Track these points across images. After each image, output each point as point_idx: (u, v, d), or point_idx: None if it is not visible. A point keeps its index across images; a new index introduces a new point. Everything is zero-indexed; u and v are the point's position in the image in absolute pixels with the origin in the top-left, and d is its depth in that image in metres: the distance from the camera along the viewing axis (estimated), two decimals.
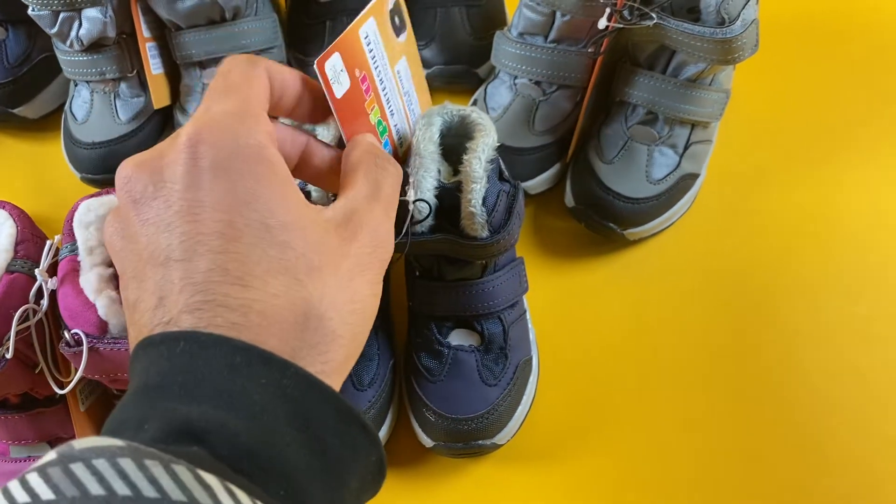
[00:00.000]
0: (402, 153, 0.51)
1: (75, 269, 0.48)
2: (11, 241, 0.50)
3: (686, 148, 0.66)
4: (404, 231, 0.48)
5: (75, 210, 0.51)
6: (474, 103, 0.72)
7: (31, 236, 0.51)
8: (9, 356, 0.47)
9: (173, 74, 0.72)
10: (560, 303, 0.66)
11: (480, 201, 0.50)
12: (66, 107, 0.72)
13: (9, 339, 0.47)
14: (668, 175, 0.65)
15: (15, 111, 0.75)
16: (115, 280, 0.48)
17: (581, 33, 0.64)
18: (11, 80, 0.73)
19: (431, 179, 0.52)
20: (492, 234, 0.52)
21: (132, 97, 0.70)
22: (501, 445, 0.58)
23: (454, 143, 0.55)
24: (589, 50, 0.64)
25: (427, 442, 0.58)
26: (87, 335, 0.46)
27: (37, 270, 0.48)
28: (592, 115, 0.68)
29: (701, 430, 0.60)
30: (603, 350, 0.64)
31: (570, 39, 0.65)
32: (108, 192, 0.52)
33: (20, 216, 0.52)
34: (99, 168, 0.69)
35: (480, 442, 0.56)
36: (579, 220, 0.67)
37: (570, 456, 0.60)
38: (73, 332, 0.47)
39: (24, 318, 0.47)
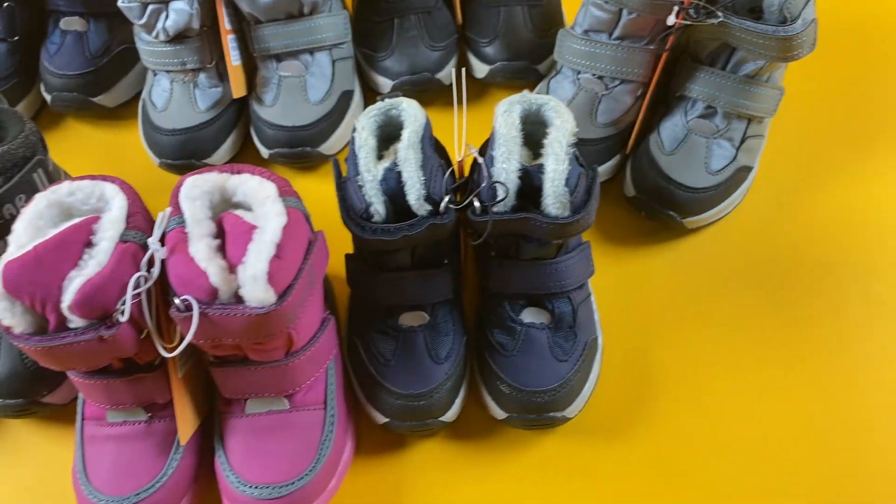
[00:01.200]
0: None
1: (183, 240, 0.51)
2: (123, 214, 0.53)
3: (742, 141, 0.69)
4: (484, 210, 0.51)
5: (181, 186, 0.54)
6: None
7: (139, 209, 0.54)
8: (123, 319, 0.50)
9: (248, 66, 0.75)
10: (620, 288, 0.69)
11: (563, 181, 0.54)
12: (145, 95, 0.76)
13: (124, 303, 0.50)
14: (725, 166, 0.68)
15: (94, 100, 0.78)
16: (221, 251, 0.51)
17: (645, 31, 0.67)
18: (92, 70, 0.77)
19: (514, 162, 0.55)
20: (573, 213, 0.54)
21: (210, 87, 0.74)
22: (570, 419, 0.61)
23: (531, 130, 0.58)
24: (651, 47, 0.68)
25: (499, 414, 0.61)
26: (198, 301, 0.49)
27: (149, 240, 0.51)
28: (651, 108, 0.71)
29: (755, 410, 0.63)
30: (661, 333, 0.67)
31: (634, 37, 0.68)
32: (209, 170, 0.55)
33: (129, 190, 0.55)
34: (178, 154, 0.73)
35: (552, 414, 0.59)
36: (639, 209, 0.70)
37: (631, 433, 0.63)
38: (183, 298, 0.50)
39: (136, 284, 0.50)
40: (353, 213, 0.55)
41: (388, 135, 0.60)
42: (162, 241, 0.52)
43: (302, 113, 0.73)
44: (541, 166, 0.55)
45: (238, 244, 0.50)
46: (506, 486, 0.61)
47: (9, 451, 0.64)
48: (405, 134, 0.56)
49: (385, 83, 0.77)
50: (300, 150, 0.73)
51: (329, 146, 0.74)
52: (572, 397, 0.60)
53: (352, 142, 0.58)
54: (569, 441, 0.63)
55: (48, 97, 0.79)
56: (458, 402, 0.61)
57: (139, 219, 0.54)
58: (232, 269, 0.50)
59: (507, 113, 0.57)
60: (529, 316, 0.61)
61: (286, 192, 0.53)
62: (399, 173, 0.55)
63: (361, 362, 0.61)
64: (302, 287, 0.51)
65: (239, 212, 0.53)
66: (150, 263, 0.51)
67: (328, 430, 0.58)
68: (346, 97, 0.75)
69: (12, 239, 0.51)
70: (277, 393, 0.57)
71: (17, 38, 0.78)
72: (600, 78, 0.70)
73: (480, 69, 0.78)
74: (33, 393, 0.62)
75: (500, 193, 0.54)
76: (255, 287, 0.48)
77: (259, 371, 0.55)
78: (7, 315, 0.49)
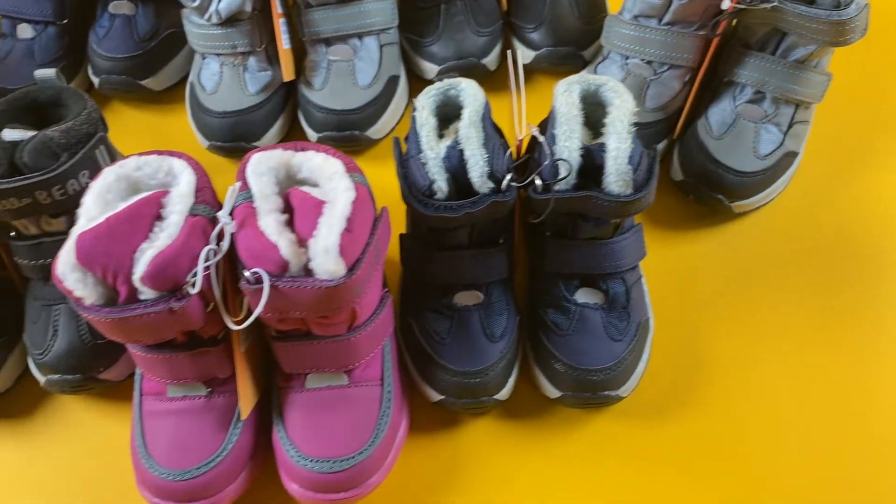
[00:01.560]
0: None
1: (252, 214, 0.52)
2: (192, 188, 0.53)
3: (790, 126, 0.69)
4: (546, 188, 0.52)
5: (247, 162, 0.54)
6: None
7: (206, 184, 0.55)
8: (194, 291, 0.50)
9: (296, 51, 0.76)
10: (668, 271, 0.69)
11: (627, 159, 0.54)
12: (194, 78, 0.76)
13: (195, 275, 0.50)
14: (773, 151, 0.69)
15: (142, 83, 0.79)
16: (289, 225, 0.52)
17: (695, 16, 0.68)
18: (140, 53, 0.78)
19: (576, 140, 0.56)
20: (635, 191, 0.55)
21: (259, 71, 0.74)
22: (623, 398, 0.61)
23: (588, 111, 0.59)
24: (701, 32, 0.68)
25: (553, 393, 0.61)
26: (268, 274, 0.50)
27: (219, 214, 0.51)
28: (697, 94, 0.72)
29: (804, 391, 0.64)
30: (710, 315, 0.67)
31: (685, 22, 0.68)
32: (274, 147, 0.56)
33: (196, 165, 0.55)
34: (228, 136, 0.73)
35: (607, 392, 0.60)
36: (687, 192, 0.70)
37: (682, 413, 0.64)
38: (253, 270, 0.50)
39: (206, 257, 0.51)
40: (415, 190, 0.56)
41: (446, 115, 0.61)
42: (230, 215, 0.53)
43: (351, 97, 0.73)
44: (602, 145, 0.56)
45: (307, 218, 0.51)
46: (558, 465, 0.62)
47: (64, 427, 0.65)
48: (466, 113, 0.57)
49: (431, 68, 0.78)
50: (349, 133, 0.73)
51: (376, 130, 0.75)
52: (626, 376, 0.60)
53: (412, 121, 0.59)
54: (620, 421, 0.63)
55: (96, 80, 0.79)
56: (511, 380, 0.62)
57: (207, 193, 0.54)
58: (301, 243, 0.51)
59: (566, 92, 0.57)
60: (584, 296, 0.61)
61: (352, 169, 0.54)
62: (461, 151, 0.56)
63: (416, 341, 0.62)
64: (369, 261, 0.52)
65: (304, 188, 0.54)
66: (220, 237, 0.52)
67: (385, 405, 0.59)
68: (393, 82, 0.76)
69: (82, 212, 0.52)
70: (338, 368, 0.57)
71: (65, 21, 0.79)
72: (649, 63, 0.71)
73: (526, 55, 0.79)
74: (91, 369, 0.62)
75: (563, 171, 0.55)
76: (327, 259, 0.49)
77: (321, 345, 0.56)
78: (79, 286, 0.50)
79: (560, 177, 0.55)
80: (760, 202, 0.70)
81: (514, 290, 0.64)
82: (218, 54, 0.74)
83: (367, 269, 0.52)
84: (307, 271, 0.51)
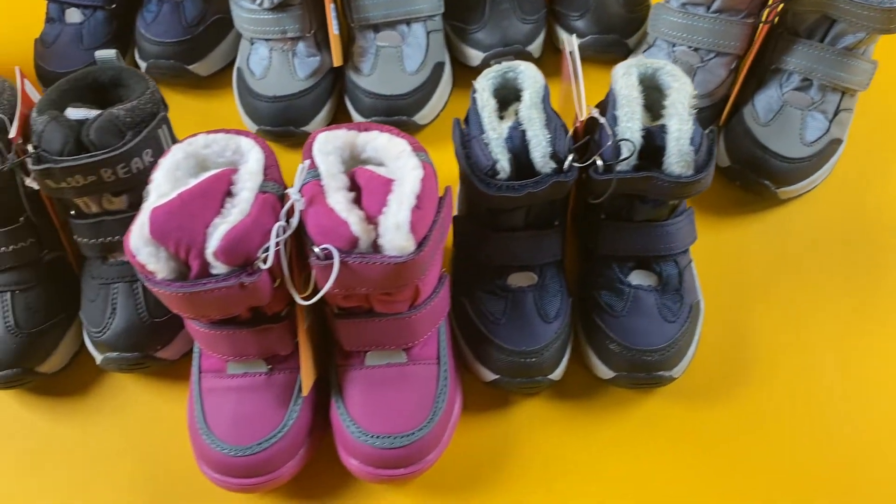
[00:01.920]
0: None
1: (321, 192, 0.52)
2: (261, 165, 0.54)
3: (836, 114, 0.70)
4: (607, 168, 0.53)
5: (314, 141, 0.55)
6: None
7: (273, 162, 0.56)
8: (265, 266, 0.51)
9: (343, 36, 0.76)
10: (715, 255, 0.70)
11: (689, 141, 0.55)
12: (242, 63, 0.77)
13: (266, 250, 0.51)
14: (819, 138, 0.69)
15: (189, 68, 0.79)
16: (357, 203, 0.53)
17: (743, 4, 0.69)
18: (188, 38, 0.78)
19: (637, 121, 0.56)
20: (696, 172, 0.56)
21: (308, 56, 0.75)
22: (675, 378, 0.62)
23: (646, 94, 0.60)
24: (749, 20, 0.69)
25: (606, 374, 0.62)
26: (338, 250, 0.51)
27: (289, 191, 0.52)
28: (743, 81, 0.73)
29: (848, 375, 0.65)
30: (757, 299, 0.68)
31: (733, 10, 0.69)
32: (338, 127, 0.56)
33: (263, 144, 0.56)
34: (278, 121, 0.74)
35: (661, 373, 0.61)
36: (733, 179, 0.71)
37: (731, 394, 0.64)
38: (323, 247, 0.51)
39: (277, 233, 0.51)
40: (477, 170, 0.57)
41: (503, 98, 0.61)
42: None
43: (399, 82, 0.74)
44: (663, 126, 0.56)
45: (375, 196, 0.52)
46: (610, 445, 0.63)
47: (119, 404, 0.65)
48: (526, 95, 0.58)
49: (476, 55, 0.79)
50: (396, 118, 0.74)
51: (423, 115, 0.76)
52: (679, 357, 0.61)
53: (472, 102, 0.59)
54: (670, 402, 0.64)
55: (143, 64, 0.80)
56: (564, 361, 0.63)
57: (274, 171, 0.55)
58: (369, 220, 0.52)
59: (626, 75, 0.58)
60: (637, 278, 0.62)
61: (417, 148, 0.55)
62: (523, 132, 0.56)
63: (470, 321, 0.63)
64: (435, 238, 0.53)
65: (368, 167, 0.55)
66: (289, 214, 0.52)
67: (442, 384, 0.60)
68: (439, 68, 0.77)
69: (153, 188, 0.53)
70: (398, 345, 0.58)
71: (113, 5, 0.79)
72: (696, 50, 0.72)
73: (571, 42, 0.80)
74: (148, 347, 0.63)
75: (625, 151, 0.55)
76: (398, 235, 0.50)
77: (383, 323, 0.56)
78: (152, 260, 0.51)
79: (623, 157, 0.55)
80: (805, 189, 0.71)
81: (565, 272, 0.65)
82: (267, 39, 0.75)
83: (433, 247, 0.53)
84: (375, 248, 0.51)
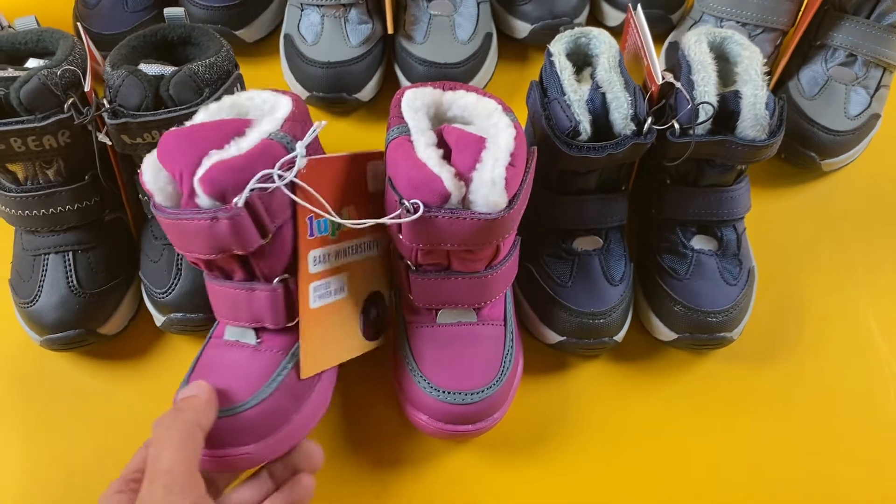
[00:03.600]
0: None
1: (410, 147, 0.53)
2: (282, 117, 0.53)
3: (877, 90, 0.73)
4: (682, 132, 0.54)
5: (402, 97, 0.56)
6: (670, 46, 0.79)
7: (300, 120, 0.55)
8: (240, 204, 0.48)
9: (393, 5, 0.77)
10: (764, 225, 0.72)
11: (764, 104, 0.57)
12: (290, 30, 0.77)
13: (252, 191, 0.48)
14: (861, 112, 0.72)
15: (236, 33, 0.79)
16: (447, 160, 0.53)
17: None
18: (236, 3, 0.78)
19: (712, 86, 0.58)
20: (769, 136, 0.58)
21: (359, 23, 0.75)
22: (734, 340, 0.64)
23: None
24: None
25: (668, 336, 0.64)
26: (430, 205, 0.51)
27: (298, 143, 0.50)
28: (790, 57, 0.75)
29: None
30: (804, 266, 0.71)
31: None
32: (424, 85, 0.57)
33: (298, 103, 0.55)
34: (331, 87, 0.74)
35: (722, 334, 0.62)
36: (779, 151, 0.73)
37: (782, 357, 0.67)
38: (413, 201, 0.52)
39: (265, 179, 0.49)
40: (559, 131, 0.58)
41: (573, 63, 0.62)
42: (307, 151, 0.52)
43: (452, 51, 0.75)
44: (736, 92, 0.58)
45: (467, 153, 0.52)
46: (669, 405, 0.64)
47: (178, 367, 0.64)
48: (603, 59, 0.59)
49: (523, 27, 0.80)
50: None
51: (474, 84, 0.76)
52: (740, 319, 0.63)
53: (549, 66, 0.60)
54: (727, 364, 0.66)
55: None
56: (627, 323, 0.64)
57: (295, 126, 0.54)
58: (459, 177, 0.52)
59: (697, 42, 0.60)
60: (699, 243, 0.64)
61: (505, 108, 0.56)
62: (603, 94, 0.58)
63: (536, 284, 0.64)
64: (524, 197, 0.54)
65: (456, 125, 0.55)
66: (288, 166, 0.51)
67: (509, 344, 0.61)
68: (488, 39, 0.78)
69: (187, 123, 0.53)
70: (472, 304, 0.59)
71: None
72: (744, 25, 0.73)
73: (614, 17, 0.81)
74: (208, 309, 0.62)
75: (703, 114, 0.57)
76: (493, 191, 0.50)
77: (460, 281, 0.57)
78: (152, 181, 0.51)
79: (701, 120, 0.57)
80: (846, 161, 0.74)
81: (626, 236, 0.67)
82: (320, 6, 0.75)
83: (521, 205, 0.54)
84: (463, 205, 0.52)
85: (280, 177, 0.50)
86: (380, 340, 0.63)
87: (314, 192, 0.53)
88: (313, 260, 0.56)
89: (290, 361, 0.55)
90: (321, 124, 0.53)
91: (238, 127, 0.52)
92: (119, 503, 0.45)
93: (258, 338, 0.56)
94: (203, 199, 0.49)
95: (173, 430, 0.46)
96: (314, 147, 0.59)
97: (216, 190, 0.49)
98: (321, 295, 0.57)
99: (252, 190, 0.49)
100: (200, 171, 0.49)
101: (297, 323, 0.55)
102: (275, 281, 0.54)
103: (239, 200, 0.49)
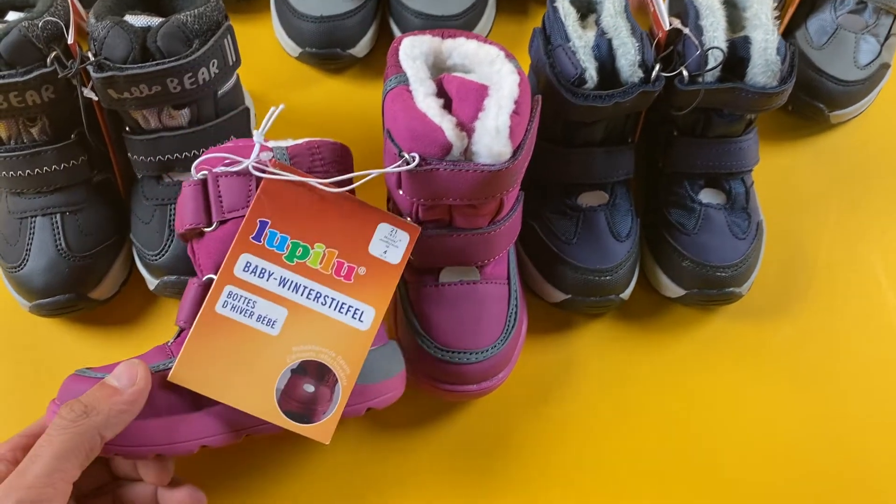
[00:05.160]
0: None
1: (409, 98, 0.51)
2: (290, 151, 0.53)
3: (887, 38, 0.71)
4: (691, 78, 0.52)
5: (399, 45, 0.53)
6: None
7: (313, 154, 0.54)
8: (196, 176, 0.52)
9: None
10: (771, 179, 0.70)
11: (775, 50, 0.55)
12: None
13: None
14: (872, 61, 0.70)
15: None
16: (447, 109, 0.51)
17: None
18: None
19: (721, 31, 0.56)
20: (780, 83, 0.56)
21: None
22: (743, 296, 0.63)
23: None
24: None
25: (676, 292, 0.62)
26: (431, 157, 0.49)
27: (255, 132, 0.50)
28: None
29: None
30: (812, 220, 0.69)
31: None
32: (422, 33, 0.54)
33: (340, 149, 0.55)
34: (324, 42, 0.71)
35: (731, 289, 0.61)
36: (786, 102, 0.71)
37: (790, 312, 0.65)
38: (412, 154, 0.50)
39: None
40: (563, 79, 0.56)
41: (577, 9, 0.60)
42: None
43: (449, 2, 0.72)
44: (746, 38, 0.56)
45: (468, 102, 0.50)
46: (676, 362, 0.63)
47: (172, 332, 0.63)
48: (608, 4, 0.57)
49: None
50: None
51: None
52: (749, 274, 0.62)
53: (552, 12, 0.58)
54: (735, 320, 0.65)
55: None
56: (633, 280, 0.63)
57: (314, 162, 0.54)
58: (461, 127, 0.50)
59: None
60: (707, 196, 0.62)
61: (507, 55, 0.53)
62: (609, 41, 0.55)
63: (540, 242, 0.62)
64: (528, 146, 0.52)
65: (456, 74, 0.53)
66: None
67: (513, 303, 0.59)
68: None
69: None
70: (475, 262, 0.57)
71: None
72: None
73: None
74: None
75: (713, 60, 0.55)
76: (497, 140, 0.48)
77: (462, 238, 0.55)
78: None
79: (710, 67, 0.55)
80: (855, 112, 0.72)
81: (632, 190, 0.65)
82: None
83: (526, 155, 0.52)
84: (465, 156, 0.50)
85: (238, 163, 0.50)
86: (304, 428, 0.48)
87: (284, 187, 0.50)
88: (245, 265, 0.49)
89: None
90: (278, 110, 0.52)
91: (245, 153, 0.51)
92: None
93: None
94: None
95: (62, 437, 0.41)
96: (345, 165, 0.56)
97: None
98: (237, 308, 0.49)
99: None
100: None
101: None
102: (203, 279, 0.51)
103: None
